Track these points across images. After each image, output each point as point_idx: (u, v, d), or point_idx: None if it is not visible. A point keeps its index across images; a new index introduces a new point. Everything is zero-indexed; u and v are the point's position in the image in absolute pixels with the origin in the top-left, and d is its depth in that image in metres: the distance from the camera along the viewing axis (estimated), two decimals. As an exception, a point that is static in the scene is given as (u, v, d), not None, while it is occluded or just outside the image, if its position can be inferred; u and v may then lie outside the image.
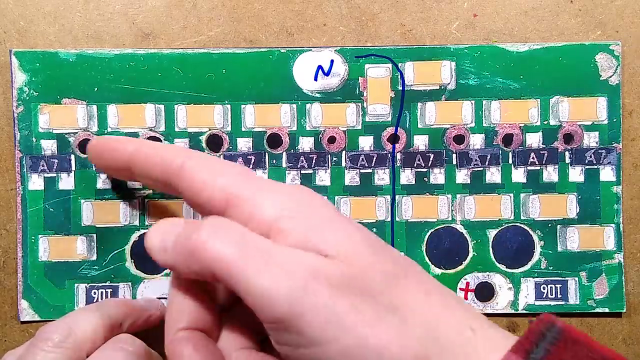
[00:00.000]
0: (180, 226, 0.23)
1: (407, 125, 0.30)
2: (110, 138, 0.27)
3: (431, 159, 0.30)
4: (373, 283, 0.21)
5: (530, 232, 0.30)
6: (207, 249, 0.21)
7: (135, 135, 0.30)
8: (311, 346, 0.20)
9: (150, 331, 0.30)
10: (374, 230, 0.30)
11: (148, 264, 0.30)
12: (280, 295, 0.20)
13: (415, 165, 0.30)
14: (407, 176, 0.30)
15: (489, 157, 0.30)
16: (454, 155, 0.30)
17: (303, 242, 0.21)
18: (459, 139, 0.30)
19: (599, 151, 0.30)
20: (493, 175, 0.30)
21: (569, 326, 0.21)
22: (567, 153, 0.30)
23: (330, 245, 0.21)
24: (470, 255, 0.30)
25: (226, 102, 0.30)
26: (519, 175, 0.30)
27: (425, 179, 0.30)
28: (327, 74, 0.30)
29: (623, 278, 0.30)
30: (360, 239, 0.22)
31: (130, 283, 0.30)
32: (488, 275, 0.30)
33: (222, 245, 0.21)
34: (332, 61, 0.30)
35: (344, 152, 0.30)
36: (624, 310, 0.30)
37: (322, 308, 0.20)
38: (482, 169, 0.30)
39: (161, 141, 0.30)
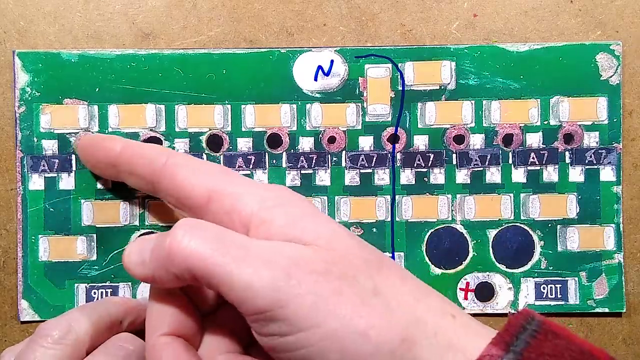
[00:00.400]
0: (154, 238, 0.23)
1: (407, 125, 0.30)
2: (99, 136, 0.28)
3: (431, 159, 0.30)
4: (354, 268, 0.21)
5: (530, 232, 0.30)
6: (183, 249, 0.21)
7: (136, 135, 0.30)
8: (297, 332, 0.20)
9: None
10: (374, 230, 0.30)
11: (148, 264, 0.30)
12: (263, 285, 0.20)
13: (415, 165, 0.30)
14: (407, 176, 0.30)
15: (489, 157, 0.30)
16: (454, 155, 0.30)
17: (283, 231, 0.22)
18: (459, 139, 0.30)
19: (599, 151, 0.30)
20: (493, 175, 0.30)
21: (548, 320, 0.21)
22: (567, 153, 0.30)
23: (311, 233, 0.22)
24: (470, 255, 0.30)
25: (226, 102, 0.30)
26: (519, 175, 0.30)
27: (425, 179, 0.30)
28: (327, 74, 0.30)
29: (623, 278, 0.30)
30: (339, 230, 0.22)
31: (130, 283, 0.30)
32: (488, 275, 0.30)
33: (198, 243, 0.21)
34: (332, 61, 0.30)
35: (344, 152, 0.30)
36: (624, 310, 0.30)
37: (306, 294, 0.20)
38: (482, 169, 0.30)
39: (162, 142, 0.30)
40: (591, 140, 0.30)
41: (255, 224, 0.22)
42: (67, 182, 0.30)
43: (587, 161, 0.30)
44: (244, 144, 0.30)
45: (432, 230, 0.30)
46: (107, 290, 0.30)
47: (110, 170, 0.27)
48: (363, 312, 0.20)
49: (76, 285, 0.30)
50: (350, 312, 0.20)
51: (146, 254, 0.23)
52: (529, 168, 0.30)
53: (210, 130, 0.30)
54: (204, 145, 0.30)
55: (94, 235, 0.30)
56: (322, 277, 0.21)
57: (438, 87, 0.30)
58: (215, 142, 0.30)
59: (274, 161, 0.30)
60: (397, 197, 0.30)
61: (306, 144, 0.30)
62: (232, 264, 0.20)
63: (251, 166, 0.30)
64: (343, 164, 0.30)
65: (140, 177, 0.26)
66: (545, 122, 0.30)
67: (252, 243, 0.21)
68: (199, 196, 0.23)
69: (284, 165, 0.30)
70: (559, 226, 0.30)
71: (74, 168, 0.30)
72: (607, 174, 0.30)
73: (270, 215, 0.22)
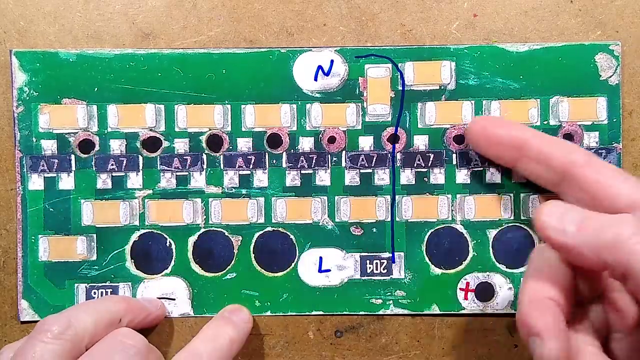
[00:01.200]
0: (579, 212, 0.23)
1: (407, 125, 0.30)
2: (495, 118, 0.29)
3: (431, 159, 0.30)
4: None
5: (530, 232, 0.30)
6: (633, 247, 0.21)
7: (135, 135, 0.30)
8: None
9: (150, 331, 0.30)
10: (374, 230, 0.30)
11: (148, 264, 0.30)
12: None
13: (415, 165, 0.30)
14: (407, 176, 0.30)
15: (489, 157, 0.30)
16: (454, 155, 0.30)
17: None
18: (459, 139, 0.30)
19: (599, 151, 0.30)
20: (493, 175, 0.30)
21: None
22: (567, 153, 0.30)
23: None
24: (470, 255, 0.30)
25: (226, 102, 0.30)
26: (519, 175, 0.30)
27: (425, 179, 0.30)
28: (327, 74, 0.30)
29: (623, 278, 0.30)
30: None
31: (130, 283, 0.30)
32: (488, 275, 0.30)
33: None
34: (332, 61, 0.30)
35: (344, 152, 0.30)
36: (624, 311, 0.30)
37: None
38: (482, 169, 0.30)
39: (162, 142, 0.30)
40: (591, 140, 0.30)
41: None
42: (66, 182, 0.30)
43: (587, 161, 0.30)
44: (244, 144, 0.30)
45: (432, 230, 0.30)
46: (107, 290, 0.30)
47: (511, 152, 0.27)
48: None
49: (76, 285, 0.30)
50: None
51: (570, 223, 0.22)
52: (529, 168, 0.30)
53: (210, 130, 0.30)
54: (203, 145, 0.30)
55: (94, 235, 0.30)
56: None
57: (438, 87, 0.30)
58: (215, 142, 0.30)
59: (274, 161, 0.30)
60: (397, 197, 0.30)
61: (306, 144, 0.30)
62: None
63: (251, 166, 0.30)
64: (343, 164, 0.30)
65: (550, 167, 0.26)
66: (545, 122, 0.30)
67: None
68: (622, 203, 0.23)
69: (284, 165, 0.30)
70: (558, 226, 0.30)
71: (73, 168, 0.30)
72: (607, 174, 0.30)
73: None
